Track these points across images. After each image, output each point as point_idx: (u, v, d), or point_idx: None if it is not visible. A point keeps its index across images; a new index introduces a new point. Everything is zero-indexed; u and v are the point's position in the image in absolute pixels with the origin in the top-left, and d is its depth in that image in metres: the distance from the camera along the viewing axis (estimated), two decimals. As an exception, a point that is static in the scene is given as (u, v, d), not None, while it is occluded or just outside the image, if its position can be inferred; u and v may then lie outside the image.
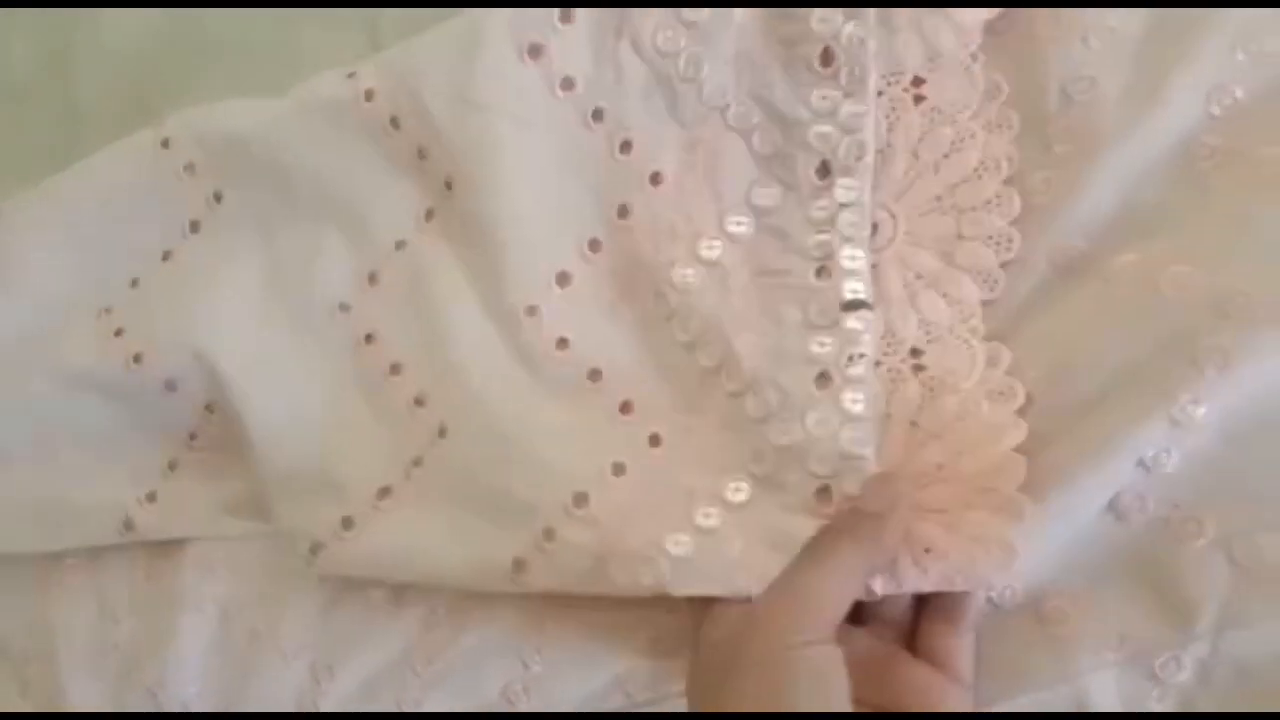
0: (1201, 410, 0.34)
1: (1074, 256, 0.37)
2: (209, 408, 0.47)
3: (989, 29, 0.38)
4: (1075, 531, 0.36)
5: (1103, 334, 0.36)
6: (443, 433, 0.43)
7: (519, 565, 0.40)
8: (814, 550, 0.35)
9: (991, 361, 0.37)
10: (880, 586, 0.36)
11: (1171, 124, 0.36)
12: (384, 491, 0.44)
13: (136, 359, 0.46)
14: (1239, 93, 0.36)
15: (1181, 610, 0.35)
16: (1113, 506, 0.36)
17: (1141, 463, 0.35)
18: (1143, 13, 0.36)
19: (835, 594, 0.34)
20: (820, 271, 0.39)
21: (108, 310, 0.48)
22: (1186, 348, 0.34)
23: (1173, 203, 0.36)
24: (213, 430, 0.47)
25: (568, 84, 0.42)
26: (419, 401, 0.44)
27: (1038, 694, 0.37)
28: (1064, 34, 0.37)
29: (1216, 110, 0.36)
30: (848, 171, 0.39)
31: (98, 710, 0.48)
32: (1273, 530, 0.34)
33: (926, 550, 0.35)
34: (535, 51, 0.42)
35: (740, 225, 0.41)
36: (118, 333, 0.47)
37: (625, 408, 0.41)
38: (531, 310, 0.42)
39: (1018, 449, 0.36)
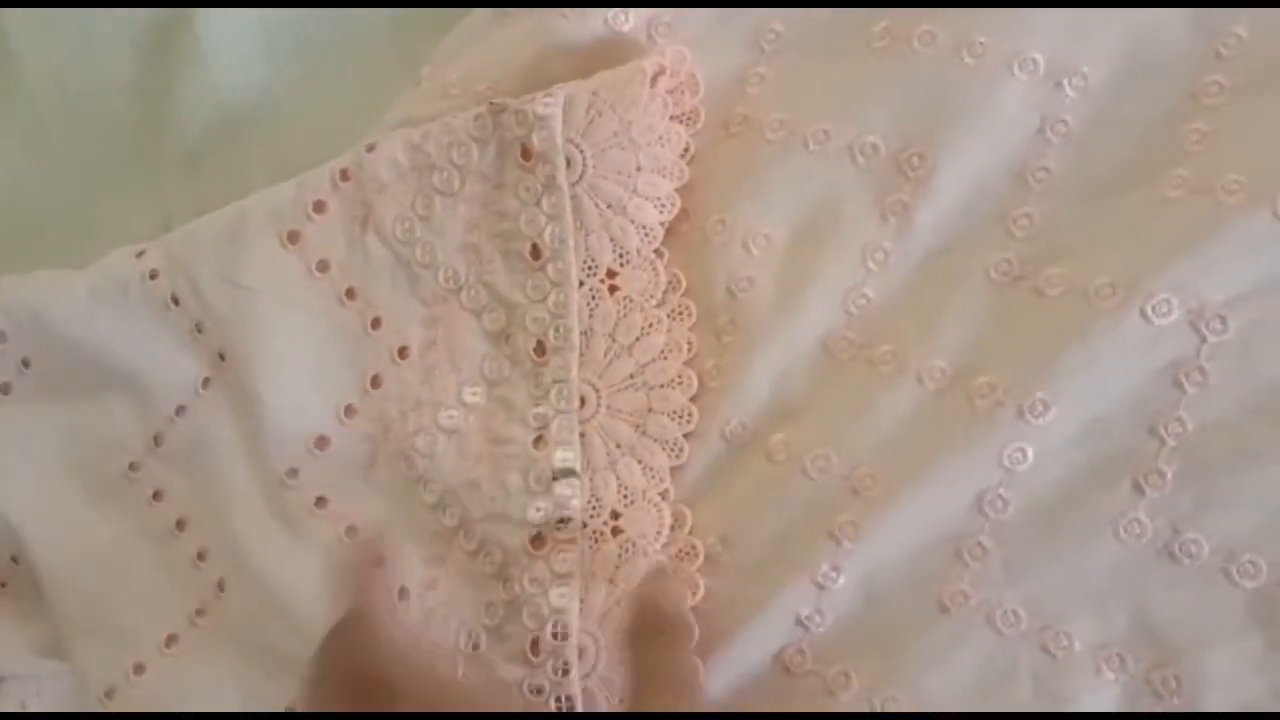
0: (842, 577, 0.39)
1: (739, 434, 0.42)
2: (14, 559, 0.50)
3: (670, 230, 0.43)
4: (748, 684, 0.41)
5: (762, 506, 0.41)
6: (222, 586, 0.47)
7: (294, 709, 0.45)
8: None
9: (677, 524, 0.42)
10: None
11: (812, 323, 0.41)
12: (171, 639, 0.48)
13: (-55, 513, 0.50)
14: (870, 293, 0.41)
15: None
16: (779, 659, 0.40)
17: (799, 621, 0.40)
18: (793, 222, 0.42)
19: None
20: (537, 440, 0.44)
21: (-76, 469, 0.51)
22: (825, 521, 0.40)
23: (813, 391, 0.41)
24: (21, 578, 0.51)
25: (323, 266, 0.47)
26: (201, 556, 0.48)
27: None
28: (729, 240, 0.42)
29: (853, 309, 0.41)
30: (558, 351, 0.44)
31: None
32: (902, 686, 0.39)
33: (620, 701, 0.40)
34: (294, 238, 0.47)
35: (475, 395, 0.45)
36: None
37: (378, 561, 0.46)
38: (292, 472, 0.47)
39: (697, 606, 0.41)
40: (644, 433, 0.43)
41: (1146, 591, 0.37)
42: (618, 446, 0.43)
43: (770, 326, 0.41)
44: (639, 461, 0.42)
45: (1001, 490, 0.38)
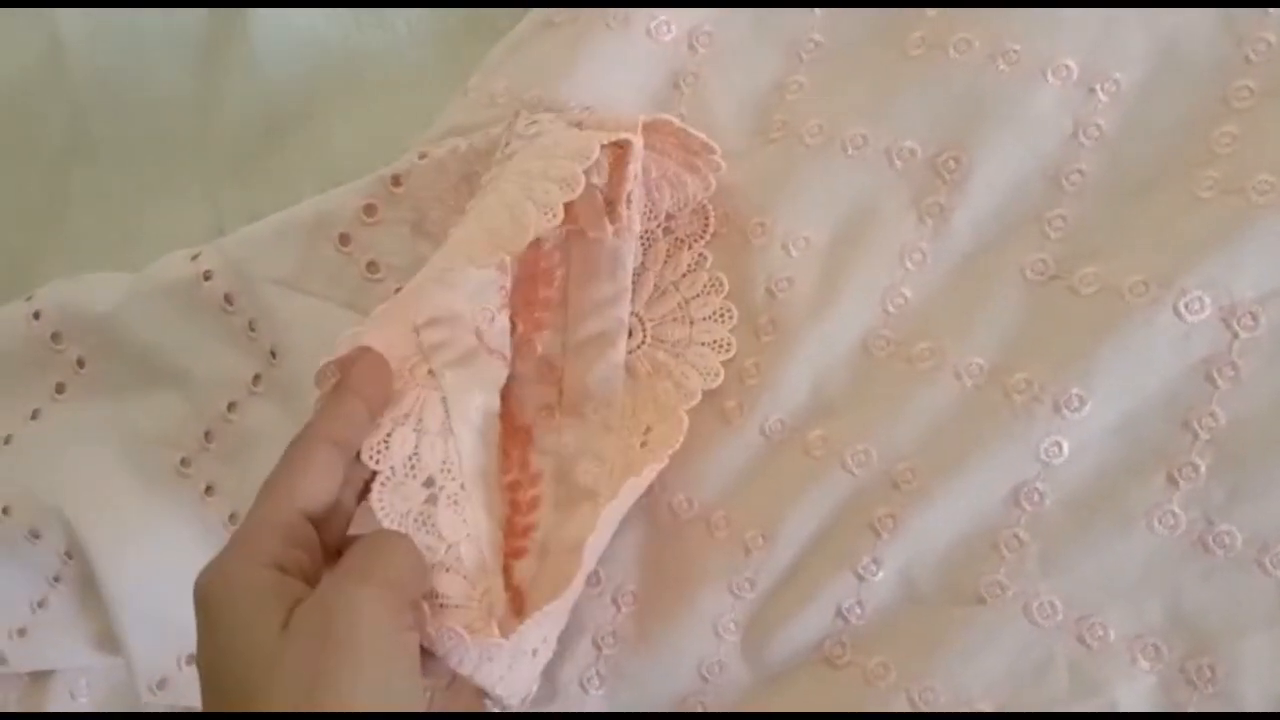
0: (881, 570, 0.40)
1: (778, 430, 0.43)
2: (68, 554, 0.52)
3: (713, 234, 0.45)
4: (790, 674, 0.42)
5: (802, 500, 0.42)
6: (273, 576, 0.49)
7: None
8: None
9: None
10: None
11: (851, 322, 0.42)
12: (225, 630, 0.49)
13: (5, 511, 0.52)
14: (908, 293, 0.42)
15: None
16: (820, 649, 0.42)
17: (839, 613, 0.41)
18: (831, 224, 0.43)
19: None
20: None
21: (-18, 465, 0.53)
22: (865, 515, 0.41)
23: (853, 388, 0.42)
24: (75, 573, 0.52)
25: (373, 268, 0.49)
26: (253, 547, 0.49)
27: None
28: (769, 241, 0.44)
29: (891, 309, 0.42)
30: None
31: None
32: (940, 676, 0.40)
33: None
34: (345, 240, 0.48)
35: None
36: (-9, 486, 0.52)
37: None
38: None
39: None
40: (683, 360, 0.45)
41: (1180, 582, 0.38)
42: (656, 371, 0.45)
43: (810, 325, 0.42)
44: (674, 384, 0.44)
45: (1038, 483, 0.39)
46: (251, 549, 0.33)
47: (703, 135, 0.43)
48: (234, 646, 0.31)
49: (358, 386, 0.36)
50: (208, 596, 0.32)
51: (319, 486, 0.34)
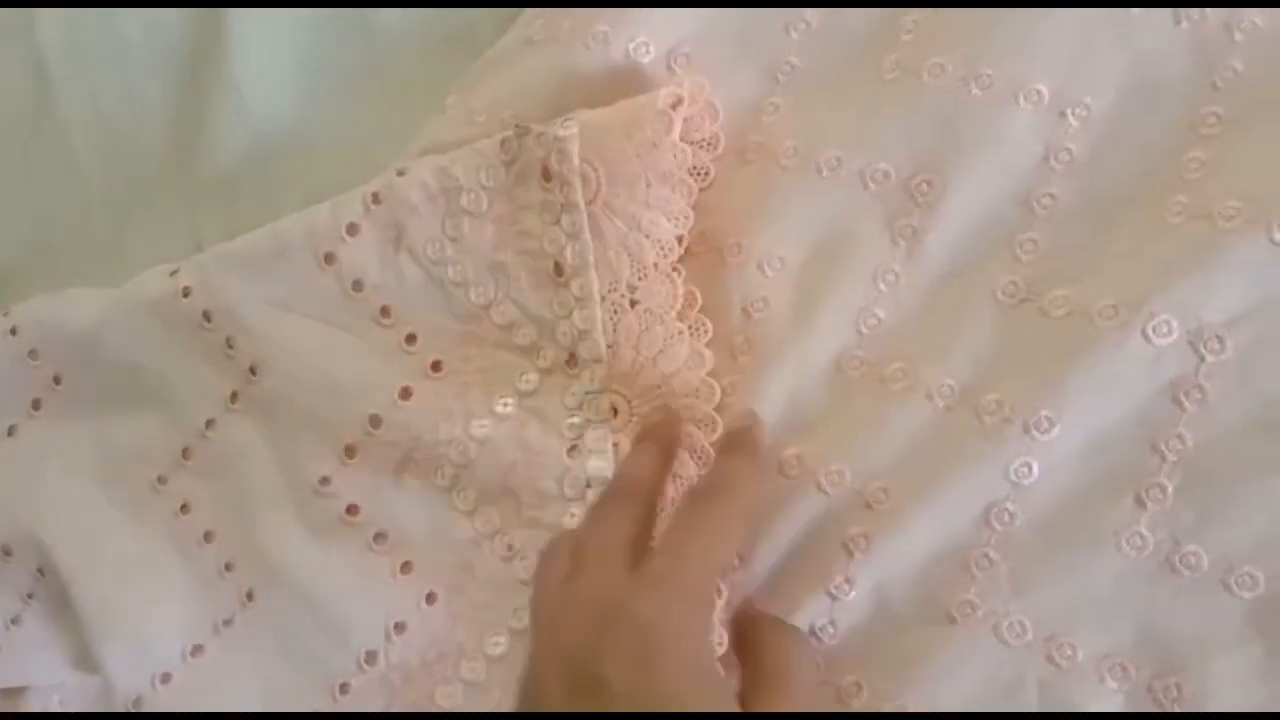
0: (854, 590, 0.40)
1: (760, 449, 0.43)
2: (41, 571, 0.52)
3: (687, 252, 0.45)
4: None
5: (777, 519, 0.42)
6: (250, 596, 0.49)
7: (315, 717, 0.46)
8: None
9: None
10: None
11: (825, 342, 0.43)
12: (198, 649, 0.49)
13: (-20, 527, 0.52)
14: (881, 313, 0.43)
15: None
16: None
17: (813, 631, 0.41)
18: (806, 245, 0.44)
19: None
20: (571, 450, 0.45)
21: (-44, 481, 0.53)
22: (838, 534, 0.41)
23: (827, 407, 0.43)
24: (46, 590, 0.52)
25: (358, 286, 0.49)
26: (229, 567, 0.50)
27: None
28: (745, 261, 0.44)
29: (864, 329, 0.43)
30: (588, 364, 0.46)
31: None
32: (913, 695, 0.40)
33: None
34: (330, 259, 0.49)
35: (507, 407, 0.47)
36: (-36, 504, 0.52)
37: (405, 568, 0.47)
38: (325, 480, 0.48)
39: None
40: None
41: (1149, 602, 0.38)
42: None
43: (784, 345, 0.43)
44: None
45: (1008, 504, 0.39)
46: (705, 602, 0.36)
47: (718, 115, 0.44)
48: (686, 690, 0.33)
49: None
50: (663, 633, 0.33)
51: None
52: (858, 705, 0.41)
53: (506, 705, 0.44)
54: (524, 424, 0.47)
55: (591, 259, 0.45)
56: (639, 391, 0.45)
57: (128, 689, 0.49)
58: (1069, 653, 0.39)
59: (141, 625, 0.50)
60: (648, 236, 0.44)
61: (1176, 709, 0.37)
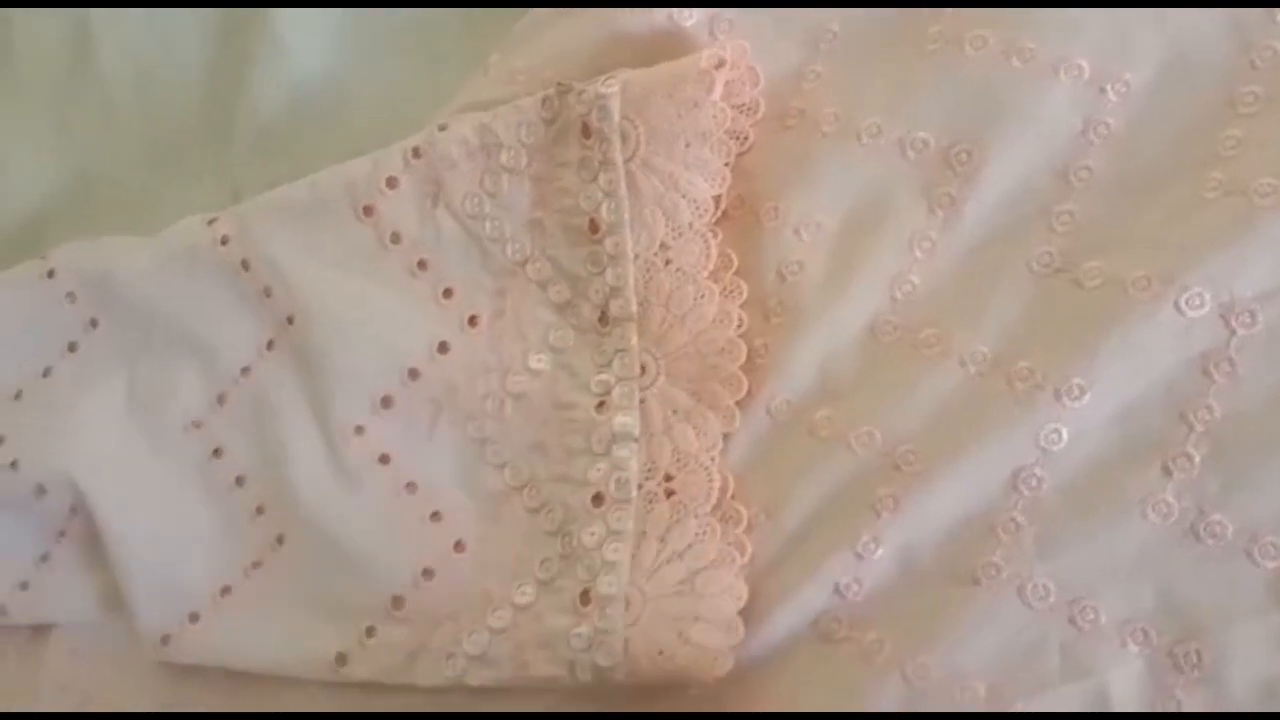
0: (880, 549, 0.41)
1: (784, 410, 0.44)
2: (74, 510, 0.52)
3: (724, 215, 0.45)
4: (786, 648, 0.43)
5: (805, 479, 0.43)
6: (280, 540, 0.49)
7: (341, 659, 0.47)
8: None
9: (724, 490, 0.44)
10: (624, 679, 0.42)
11: (859, 307, 0.43)
12: (226, 590, 0.50)
13: (13, 465, 0.52)
14: (916, 280, 0.43)
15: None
16: (816, 626, 0.42)
17: (837, 590, 0.42)
18: (843, 210, 0.44)
19: None
20: (599, 406, 0.46)
21: (-8, 419, 0.53)
22: (866, 495, 0.42)
23: (859, 371, 0.43)
24: (79, 529, 0.53)
25: (395, 238, 0.49)
26: (260, 510, 0.50)
27: None
28: (781, 225, 0.45)
29: (899, 295, 0.43)
30: (619, 322, 0.46)
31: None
32: (935, 654, 0.40)
33: (660, 652, 0.42)
34: (368, 211, 0.49)
35: (541, 363, 0.48)
36: (0, 440, 0.53)
37: (436, 516, 0.48)
38: (358, 429, 0.49)
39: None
40: (699, 399, 0.45)
41: (1172, 570, 0.39)
42: (674, 413, 0.45)
43: (818, 309, 0.43)
44: (693, 427, 0.44)
45: (1037, 469, 0.40)
46: None
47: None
48: None
49: None
50: None
51: None
52: (879, 662, 0.41)
53: (533, 657, 0.44)
54: (556, 380, 0.47)
55: (626, 217, 0.45)
56: (668, 350, 0.45)
57: (155, 628, 0.50)
58: (1091, 616, 0.39)
59: (171, 565, 0.50)
60: (684, 196, 0.44)
61: (1196, 675, 0.38)
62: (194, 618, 0.49)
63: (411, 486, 0.48)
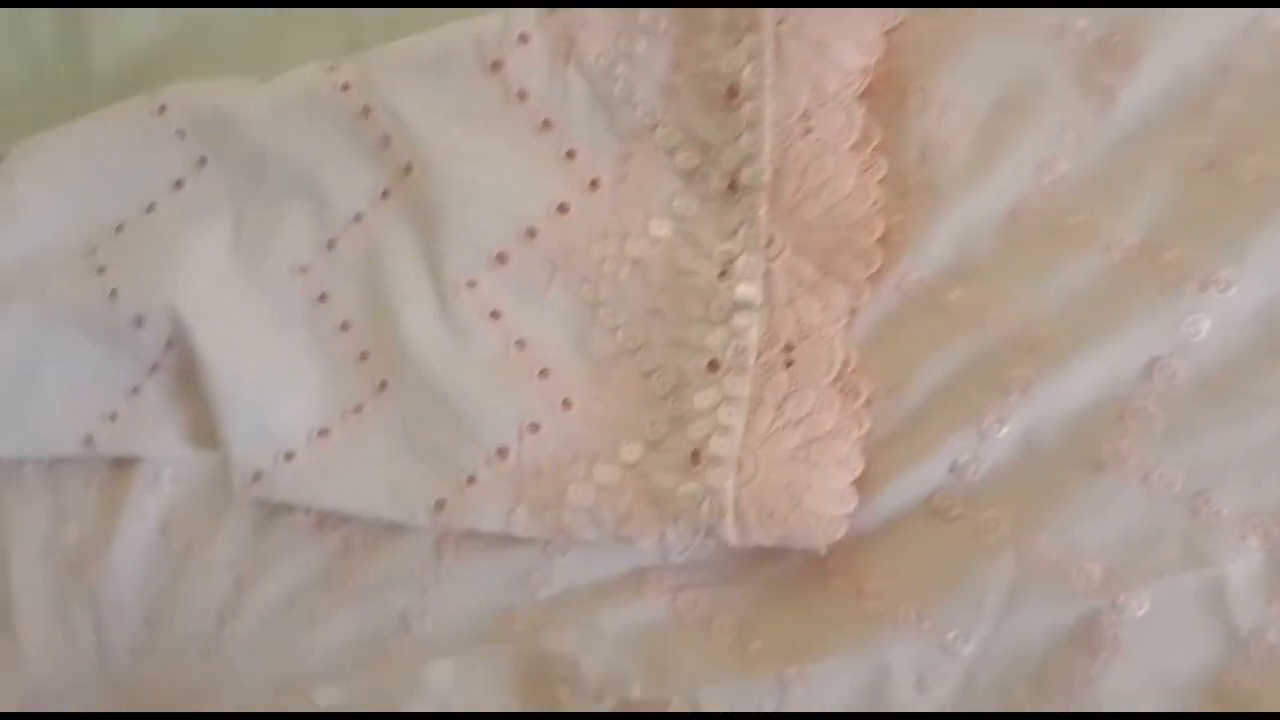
0: (1005, 428, 0.41)
1: (915, 288, 0.44)
2: (170, 344, 0.52)
3: (869, 90, 0.45)
4: (896, 522, 0.43)
5: (932, 356, 0.43)
6: (383, 386, 0.49)
7: (440, 505, 0.47)
8: None
9: (846, 363, 0.44)
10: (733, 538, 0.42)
11: (1003, 190, 0.43)
12: (323, 432, 0.50)
13: (113, 295, 0.52)
14: (1064, 167, 0.43)
15: (974, 594, 0.41)
16: (928, 502, 0.42)
17: (954, 468, 0.42)
18: (993, 93, 0.44)
19: None
20: (722, 275, 0.46)
21: (94, 250, 0.53)
22: (997, 375, 0.41)
23: (998, 253, 0.43)
24: (173, 364, 0.52)
25: (522, 95, 0.49)
26: (363, 357, 0.50)
27: (840, 660, 0.42)
28: (928, 104, 0.44)
29: (1045, 180, 0.43)
30: (749, 190, 0.46)
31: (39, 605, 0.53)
32: (1050, 534, 0.41)
33: (770, 514, 0.42)
34: (496, 66, 0.49)
35: (662, 229, 0.47)
36: (100, 270, 0.52)
37: (544, 373, 0.48)
38: (471, 283, 0.49)
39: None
40: (827, 273, 0.44)
41: (1301, 467, 0.39)
42: (799, 285, 0.45)
43: (960, 190, 0.43)
44: (819, 300, 0.44)
45: (1173, 359, 0.40)
46: None
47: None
48: None
49: None
50: None
51: None
52: (993, 540, 0.41)
53: (638, 512, 0.44)
54: (677, 247, 0.47)
55: (768, 82, 0.45)
56: (799, 221, 0.45)
57: (249, 464, 0.50)
58: (1215, 508, 0.39)
59: (270, 403, 0.50)
60: (833, 64, 0.44)
61: (1313, 573, 0.38)
62: (289, 456, 0.49)
63: (521, 344, 0.48)
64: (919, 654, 0.41)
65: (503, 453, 0.47)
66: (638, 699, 0.45)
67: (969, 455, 0.42)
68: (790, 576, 0.44)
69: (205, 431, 0.52)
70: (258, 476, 0.50)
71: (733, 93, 0.46)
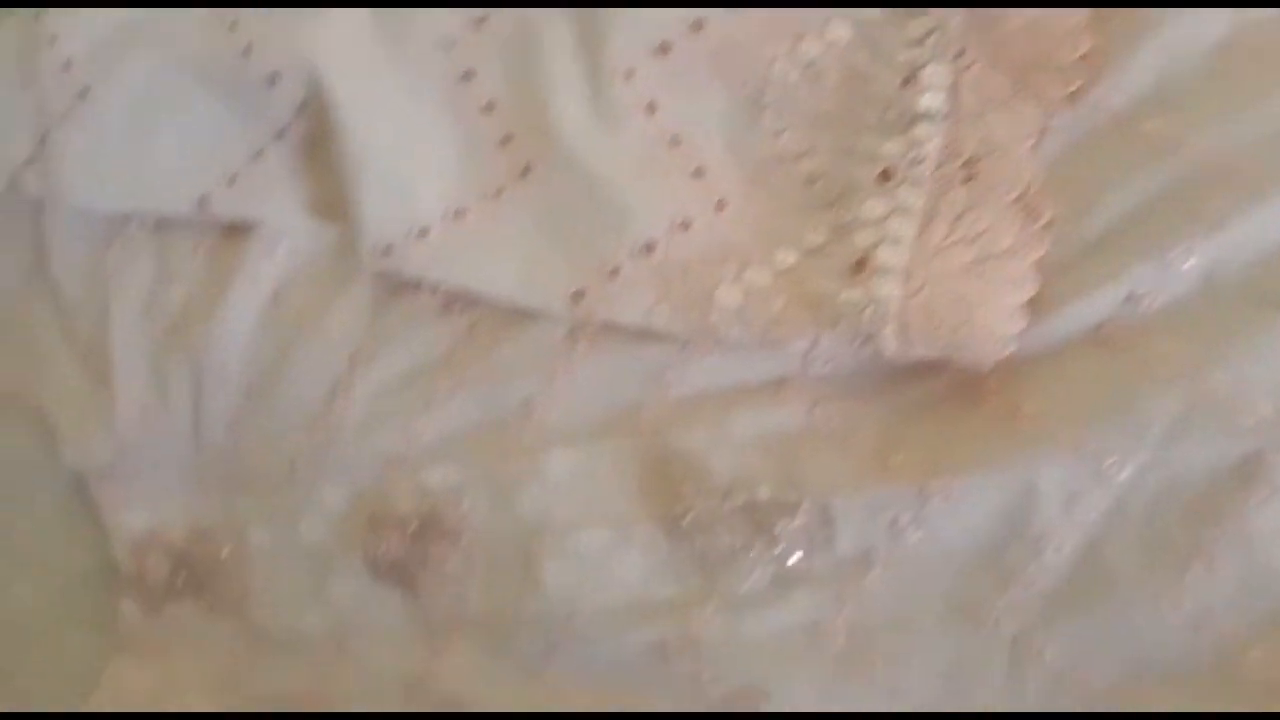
0: (1191, 260, 0.40)
1: (1112, 115, 0.42)
2: (302, 107, 0.50)
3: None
4: (1063, 348, 0.42)
5: (1123, 182, 0.41)
6: (527, 170, 0.48)
7: (579, 295, 0.45)
8: None
9: (1029, 183, 0.43)
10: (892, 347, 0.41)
11: (1214, 21, 0.42)
12: (460, 213, 0.48)
13: (246, 51, 0.49)
14: (1280, -1, 0.42)
15: (1137, 423, 0.41)
16: (1098, 331, 0.41)
17: (1131, 297, 0.41)
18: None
19: None
20: (906, 82, 0.44)
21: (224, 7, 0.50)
22: (1189, 206, 0.40)
23: (1201, 85, 0.41)
24: (302, 129, 0.50)
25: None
26: (508, 139, 0.48)
27: (988, 476, 0.42)
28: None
29: (1264, 15, 0.42)
30: None
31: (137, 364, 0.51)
32: (1224, 371, 0.40)
33: (937, 326, 0.41)
34: None
35: (840, 30, 0.46)
36: (233, 26, 0.50)
37: (699, 172, 0.46)
38: (629, 73, 0.47)
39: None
40: (1022, 87, 0.43)
41: None
42: (990, 99, 0.43)
43: (1165, 19, 0.42)
44: (1008, 115, 0.43)
45: (1384, 205, 0.39)
46: None
47: None
48: None
49: None
50: None
51: None
52: (1163, 373, 0.41)
53: (792, 315, 0.43)
54: (855, 51, 0.45)
55: None
56: (998, 32, 0.43)
57: (380, 236, 0.48)
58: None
59: (405, 177, 0.48)
60: None
61: None
62: (423, 233, 0.48)
63: (675, 140, 0.47)
64: (1072, 477, 0.41)
65: (650, 247, 0.45)
66: (766, 500, 0.44)
67: (1148, 286, 0.41)
68: (938, 396, 0.43)
69: (328, 203, 0.50)
70: (388, 250, 0.48)
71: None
